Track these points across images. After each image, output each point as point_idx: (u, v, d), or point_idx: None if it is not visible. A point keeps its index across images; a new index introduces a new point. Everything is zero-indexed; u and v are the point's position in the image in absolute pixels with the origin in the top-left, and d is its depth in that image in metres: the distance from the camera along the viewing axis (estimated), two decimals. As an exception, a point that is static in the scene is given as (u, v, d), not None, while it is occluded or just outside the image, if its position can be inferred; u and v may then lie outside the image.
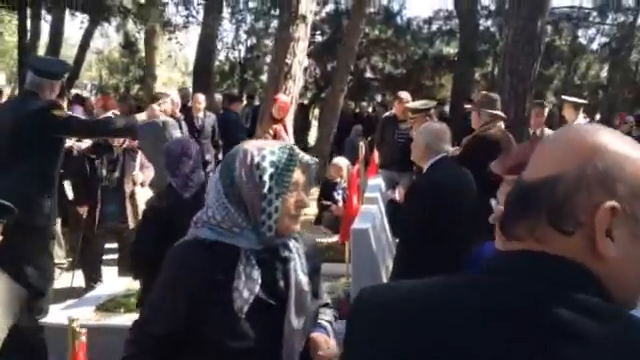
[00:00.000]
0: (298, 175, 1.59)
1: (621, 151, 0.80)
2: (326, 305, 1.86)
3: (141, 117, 4.21)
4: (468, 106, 4.87)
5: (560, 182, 0.79)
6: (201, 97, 7.65)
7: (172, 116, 6.73)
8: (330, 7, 16.73)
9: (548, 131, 5.72)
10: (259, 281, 1.53)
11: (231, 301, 1.50)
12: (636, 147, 0.82)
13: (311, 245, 1.78)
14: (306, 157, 1.63)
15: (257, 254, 1.56)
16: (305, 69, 16.60)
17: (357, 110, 15.00)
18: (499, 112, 4.47)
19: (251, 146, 1.59)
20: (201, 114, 7.46)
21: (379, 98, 17.24)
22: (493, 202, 1.87)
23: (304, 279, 1.62)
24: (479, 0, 15.02)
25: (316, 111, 16.21)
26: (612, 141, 0.81)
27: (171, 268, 1.59)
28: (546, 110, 6.22)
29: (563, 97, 7.31)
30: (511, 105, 6.22)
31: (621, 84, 14.01)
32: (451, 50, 16.73)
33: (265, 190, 1.52)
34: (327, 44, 16.01)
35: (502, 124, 4.62)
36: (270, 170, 1.53)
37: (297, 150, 1.60)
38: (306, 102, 15.95)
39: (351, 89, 16.30)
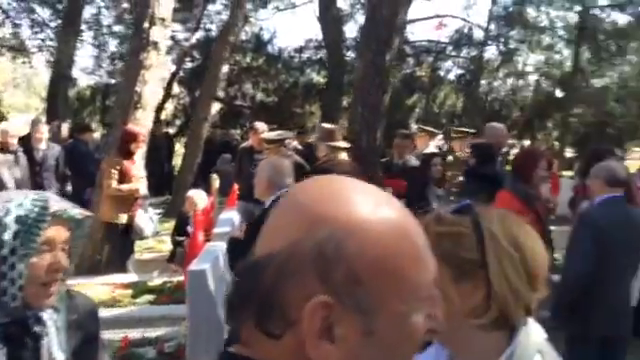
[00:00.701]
0: (56, 232, 1.35)
1: (349, 220, 0.57)
2: None
3: None
4: (311, 140, 4.91)
5: (271, 264, 0.57)
6: (43, 127, 7.03)
7: (4, 149, 6.12)
8: (200, 34, 16.48)
9: (415, 162, 5.79)
10: None
11: None
12: (383, 210, 0.58)
13: (86, 311, 1.55)
14: (73, 211, 1.39)
15: (4, 329, 1.31)
16: (173, 97, 16.22)
17: (226, 138, 14.77)
18: (338, 143, 4.52)
19: (2, 198, 1.35)
20: (43, 145, 6.82)
21: (249, 125, 17.16)
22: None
23: (60, 357, 1.38)
24: (344, 32, 15.57)
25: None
26: (347, 204, 0.58)
27: None
28: (407, 141, 6.30)
29: (419, 126, 7.69)
30: (362, 135, 6.39)
31: (473, 113, 15.18)
32: (321, 79, 17.15)
33: (6, 252, 1.28)
34: (196, 71, 15.67)
35: (345, 154, 4.68)
36: (15, 227, 1.28)
37: (55, 202, 1.36)
38: (172, 131, 15.46)
39: (223, 117, 16.08)
